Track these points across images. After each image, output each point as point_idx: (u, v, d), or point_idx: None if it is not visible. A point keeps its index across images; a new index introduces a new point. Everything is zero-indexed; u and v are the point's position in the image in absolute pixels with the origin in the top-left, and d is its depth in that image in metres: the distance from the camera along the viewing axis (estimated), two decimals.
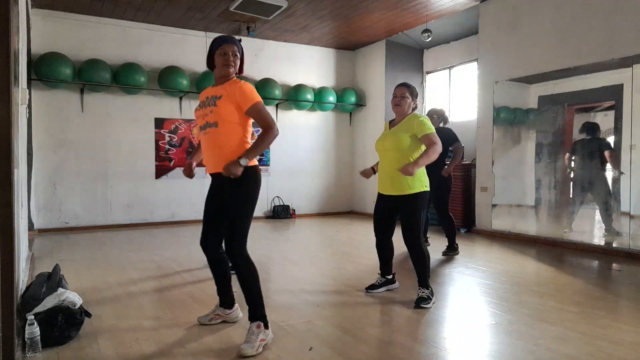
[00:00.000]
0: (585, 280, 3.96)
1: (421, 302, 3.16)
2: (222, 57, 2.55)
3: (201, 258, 4.28)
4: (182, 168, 7.48)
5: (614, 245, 5.11)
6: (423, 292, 3.22)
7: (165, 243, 5.81)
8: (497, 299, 3.39)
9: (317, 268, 4.50)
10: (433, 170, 3.80)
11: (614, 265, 4.56)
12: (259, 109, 2.49)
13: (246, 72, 7.88)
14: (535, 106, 6.09)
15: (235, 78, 2.60)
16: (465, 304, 3.27)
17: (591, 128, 5.43)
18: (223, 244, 2.68)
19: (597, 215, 5.45)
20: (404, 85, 3.38)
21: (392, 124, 3.43)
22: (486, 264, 4.59)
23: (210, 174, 2.64)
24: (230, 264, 2.70)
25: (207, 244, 2.73)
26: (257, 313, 2.52)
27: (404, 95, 3.32)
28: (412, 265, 3.32)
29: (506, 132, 6.42)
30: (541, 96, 6.00)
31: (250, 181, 2.50)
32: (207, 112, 2.56)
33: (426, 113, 5.28)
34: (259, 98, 2.52)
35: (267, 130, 2.45)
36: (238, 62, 2.60)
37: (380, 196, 3.39)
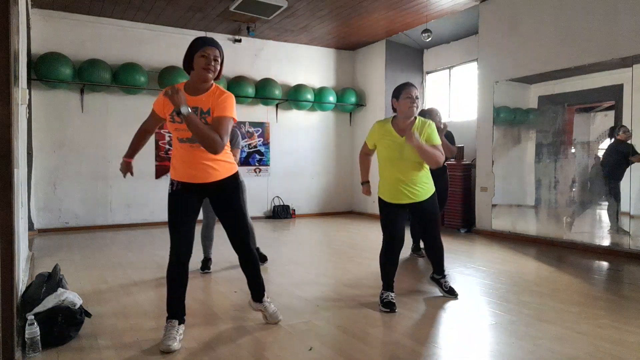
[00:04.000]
0: (585, 280, 3.96)
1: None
2: (203, 60, 2.44)
3: (199, 258, 4.28)
4: None
5: (614, 245, 5.11)
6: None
7: (165, 243, 5.78)
8: (497, 299, 3.39)
9: (317, 268, 4.50)
10: (435, 175, 3.68)
11: (612, 265, 4.56)
12: (226, 124, 2.44)
13: (246, 72, 7.90)
14: (535, 106, 6.09)
15: (215, 84, 2.55)
16: (465, 304, 3.27)
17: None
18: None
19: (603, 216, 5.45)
20: (414, 85, 3.24)
21: (395, 127, 3.19)
22: (486, 264, 4.59)
23: (190, 184, 2.54)
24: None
25: (188, 254, 2.60)
26: (263, 290, 2.85)
27: (418, 97, 3.18)
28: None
29: (506, 132, 6.42)
30: (541, 96, 6.00)
31: (239, 184, 2.74)
32: None
33: (424, 113, 5.15)
34: (235, 116, 2.51)
35: (215, 141, 2.37)
36: (218, 67, 2.50)
37: (390, 204, 3.23)
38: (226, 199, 2.64)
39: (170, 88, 2.34)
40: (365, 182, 3.53)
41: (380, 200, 3.30)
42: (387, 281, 3.25)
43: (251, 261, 2.77)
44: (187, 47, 2.52)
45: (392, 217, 3.24)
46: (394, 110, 3.26)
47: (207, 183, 2.56)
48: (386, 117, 3.28)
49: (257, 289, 2.83)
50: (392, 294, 3.20)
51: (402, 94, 3.17)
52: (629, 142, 5.00)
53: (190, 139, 2.46)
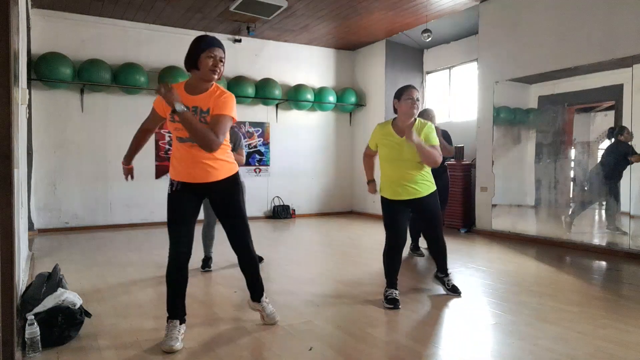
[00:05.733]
0: (585, 280, 3.96)
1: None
2: (211, 61, 2.43)
3: (200, 257, 4.28)
4: None
5: (614, 245, 5.10)
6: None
7: (165, 243, 5.78)
8: (497, 299, 3.39)
9: (317, 268, 4.50)
10: (435, 174, 3.76)
11: (612, 265, 4.56)
12: (224, 122, 2.42)
13: (246, 72, 7.90)
14: (535, 106, 6.09)
15: (215, 84, 2.54)
16: (465, 304, 3.27)
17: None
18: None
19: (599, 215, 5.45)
20: (415, 88, 3.34)
21: (395, 128, 3.30)
22: (486, 264, 4.59)
23: (190, 184, 2.54)
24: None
25: (188, 255, 2.59)
26: (262, 290, 2.85)
27: (418, 98, 3.29)
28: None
29: (506, 132, 6.42)
30: (541, 96, 6.00)
31: (240, 185, 2.73)
32: None
33: (420, 114, 5.18)
34: (235, 115, 2.50)
35: (210, 139, 2.35)
36: (223, 69, 2.50)
37: (392, 202, 3.32)
38: (226, 199, 2.63)
39: (163, 86, 2.31)
40: (371, 181, 3.66)
41: (383, 199, 3.39)
42: (391, 279, 3.31)
43: (251, 262, 2.77)
44: (187, 47, 2.50)
45: (394, 215, 3.32)
46: (395, 111, 3.36)
47: (207, 183, 2.55)
48: (387, 120, 3.42)
49: (255, 290, 2.83)
50: (396, 291, 3.27)
51: (403, 95, 3.28)
52: (629, 143, 5.02)
53: (190, 138, 2.43)
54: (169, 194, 2.59)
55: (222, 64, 2.48)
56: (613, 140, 5.24)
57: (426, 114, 5.00)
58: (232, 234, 2.70)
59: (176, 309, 2.58)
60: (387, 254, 3.34)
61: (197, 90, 2.49)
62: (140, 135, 2.79)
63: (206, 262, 4.27)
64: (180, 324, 2.56)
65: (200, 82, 2.49)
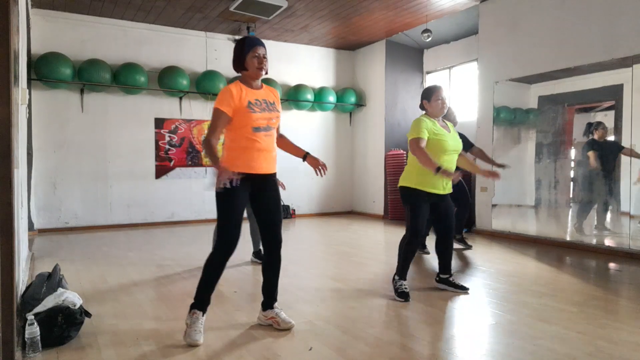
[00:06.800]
0: (585, 280, 3.96)
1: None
2: (256, 60, 2.59)
3: (201, 257, 4.28)
4: (182, 168, 7.56)
5: (614, 245, 5.11)
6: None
7: (165, 243, 5.81)
8: (497, 299, 3.39)
9: (317, 268, 4.50)
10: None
11: (612, 265, 4.56)
12: None
13: None
14: (535, 106, 6.09)
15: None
16: (465, 304, 3.27)
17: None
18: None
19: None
20: (441, 87, 3.46)
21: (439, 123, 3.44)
22: (486, 264, 4.59)
23: (258, 175, 2.62)
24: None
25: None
26: (277, 295, 2.83)
27: (446, 97, 3.44)
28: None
29: (506, 132, 6.42)
30: (541, 96, 6.00)
31: None
32: (273, 116, 2.67)
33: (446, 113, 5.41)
34: None
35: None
36: (267, 65, 2.67)
37: (428, 195, 3.34)
38: (275, 192, 2.76)
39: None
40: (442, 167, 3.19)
41: (413, 191, 3.34)
42: (405, 271, 3.39)
43: (279, 260, 2.81)
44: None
45: (425, 208, 3.37)
46: (422, 107, 3.49)
47: (267, 174, 2.68)
48: (422, 115, 3.45)
49: (272, 293, 2.81)
50: (406, 284, 3.37)
51: (432, 96, 3.41)
52: (607, 139, 5.08)
53: (266, 128, 2.62)
54: (229, 187, 2.50)
55: (266, 60, 2.64)
56: (590, 137, 5.31)
57: (448, 113, 5.21)
58: (271, 228, 2.75)
59: (207, 300, 2.63)
60: (409, 244, 3.36)
61: (255, 86, 2.68)
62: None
63: (259, 254, 4.55)
64: (203, 315, 2.61)
65: (254, 79, 2.66)
